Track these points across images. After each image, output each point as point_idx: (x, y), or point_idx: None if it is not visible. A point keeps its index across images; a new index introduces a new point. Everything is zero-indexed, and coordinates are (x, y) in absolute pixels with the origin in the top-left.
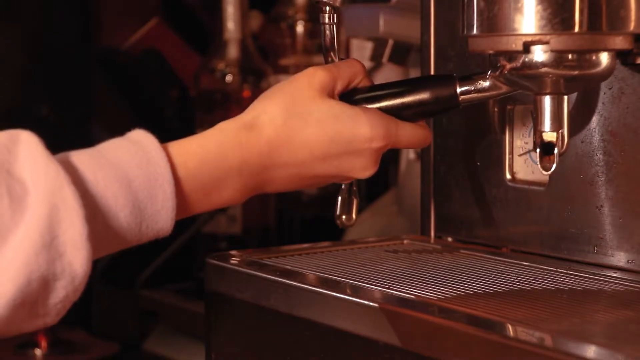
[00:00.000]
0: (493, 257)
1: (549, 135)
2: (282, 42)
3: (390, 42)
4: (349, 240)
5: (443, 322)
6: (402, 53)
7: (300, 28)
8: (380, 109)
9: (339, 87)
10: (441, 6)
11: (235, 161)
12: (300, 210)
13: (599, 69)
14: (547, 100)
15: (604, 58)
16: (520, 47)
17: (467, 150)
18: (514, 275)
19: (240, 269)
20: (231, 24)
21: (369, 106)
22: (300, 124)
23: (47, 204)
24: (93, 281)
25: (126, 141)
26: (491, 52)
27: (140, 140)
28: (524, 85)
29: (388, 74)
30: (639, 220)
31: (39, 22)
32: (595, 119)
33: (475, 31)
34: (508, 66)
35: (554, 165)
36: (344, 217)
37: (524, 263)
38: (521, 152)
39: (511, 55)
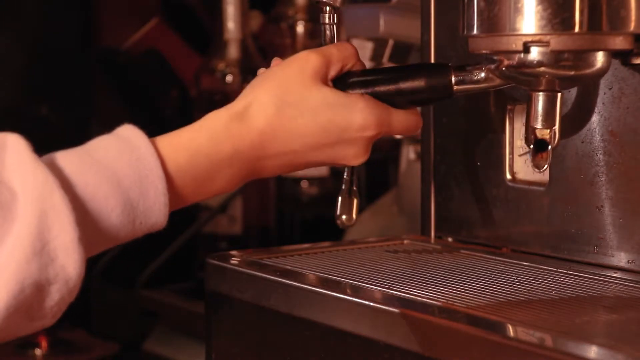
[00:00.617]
0: (493, 257)
1: (542, 133)
2: (282, 42)
3: (391, 42)
4: (349, 240)
5: (443, 322)
6: (402, 53)
7: (300, 28)
8: (373, 93)
9: (332, 72)
10: (441, 6)
11: (227, 153)
12: (300, 210)
13: (595, 68)
14: (541, 98)
15: (600, 57)
16: (520, 47)
17: (467, 150)
18: (514, 275)
19: (241, 269)
20: (231, 24)
21: (362, 91)
22: (292, 113)
23: (37, 211)
24: (93, 281)
25: (115, 138)
26: (491, 52)
27: (129, 137)
28: (520, 80)
29: None
30: (639, 220)
31: (39, 22)
32: (595, 119)
33: (475, 31)
34: (505, 62)
35: (547, 163)
36: (344, 217)
37: (524, 263)
38: (521, 152)
39: (509, 54)
